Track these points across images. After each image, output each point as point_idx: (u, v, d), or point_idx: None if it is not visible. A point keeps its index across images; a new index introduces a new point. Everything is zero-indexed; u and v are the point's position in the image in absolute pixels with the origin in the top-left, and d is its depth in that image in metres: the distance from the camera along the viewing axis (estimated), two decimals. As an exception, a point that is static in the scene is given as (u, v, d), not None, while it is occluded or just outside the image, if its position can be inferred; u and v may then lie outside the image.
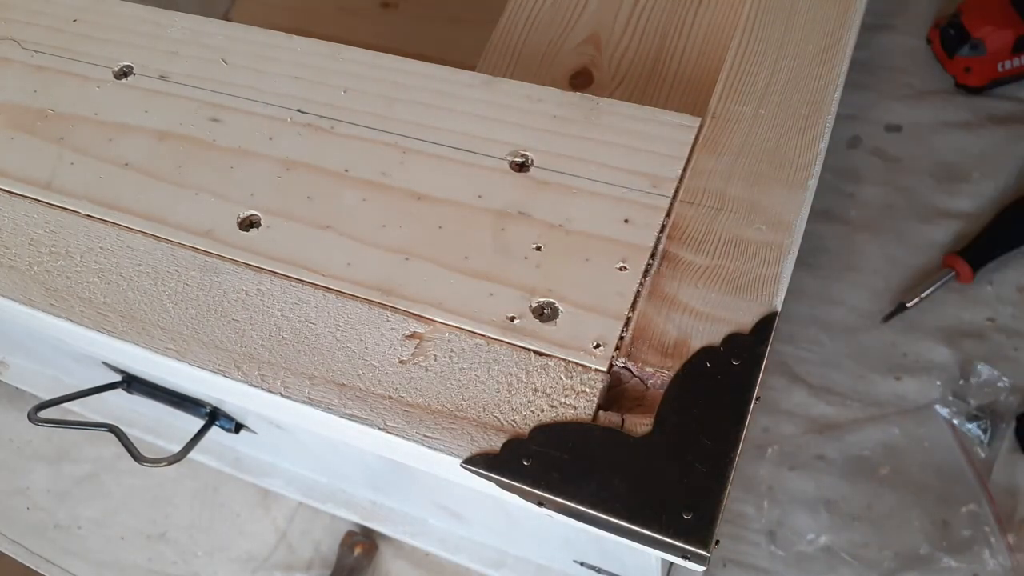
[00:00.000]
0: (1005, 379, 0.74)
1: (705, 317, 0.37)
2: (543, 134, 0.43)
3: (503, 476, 0.34)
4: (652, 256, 0.39)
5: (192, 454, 0.59)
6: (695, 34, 0.53)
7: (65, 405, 0.59)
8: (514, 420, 0.36)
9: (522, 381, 0.36)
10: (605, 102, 0.44)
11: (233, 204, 0.43)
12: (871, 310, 0.79)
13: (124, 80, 0.49)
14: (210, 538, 0.83)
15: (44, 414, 0.56)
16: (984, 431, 0.73)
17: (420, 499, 0.69)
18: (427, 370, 0.37)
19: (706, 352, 0.36)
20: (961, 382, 0.75)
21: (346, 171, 0.43)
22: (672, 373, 0.36)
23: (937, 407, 0.75)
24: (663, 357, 0.36)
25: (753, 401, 0.35)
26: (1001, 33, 0.79)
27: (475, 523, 0.68)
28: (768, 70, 0.44)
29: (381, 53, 0.47)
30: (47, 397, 0.58)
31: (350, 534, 0.79)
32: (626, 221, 0.40)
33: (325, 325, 0.39)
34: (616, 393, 0.37)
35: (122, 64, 0.49)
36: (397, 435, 0.36)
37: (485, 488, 0.36)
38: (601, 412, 0.35)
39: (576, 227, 0.40)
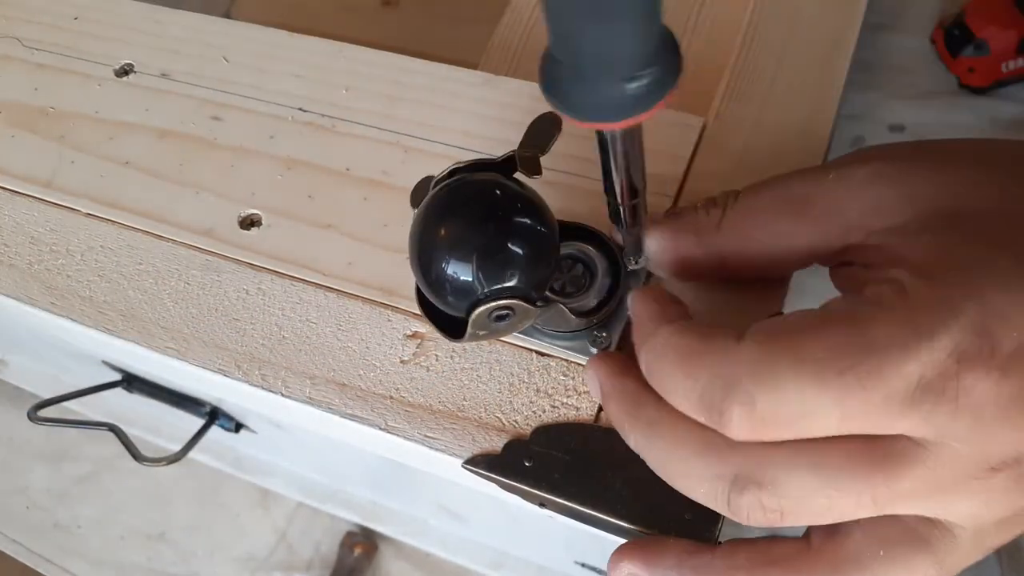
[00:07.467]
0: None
1: (707, 318, 0.37)
2: (545, 133, 0.43)
3: (504, 477, 0.34)
4: (655, 256, 0.39)
5: (192, 454, 0.59)
6: (697, 34, 0.53)
7: (65, 404, 0.59)
8: (516, 420, 0.35)
9: (524, 381, 0.36)
10: (608, 101, 0.44)
11: (234, 203, 0.43)
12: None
13: (125, 78, 0.49)
14: (210, 538, 0.83)
15: (44, 413, 0.56)
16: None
17: (421, 499, 0.69)
18: (428, 370, 0.37)
19: (709, 353, 0.36)
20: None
21: (347, 170, 0.43)
22: (675, 374, 0.35)
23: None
24: (666, 358, 0.36)
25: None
26: (1005, 34, 0.79)
27: (476, 524, 0.68)
28: (771, 71, 0.44)
29: (383, 51, 0.47)
30: (47, 396, 0.58)
31: (350, 534, 0.79)
32: (629, 221, 0.40)
33: (326, 325, 0.39)
34: (618, 394, 0.37)
35: (123, 62, 0.49)
36: (398, 435, 0.36)
37: (486, 489, 0.35)
38: (603, 413, 0.35)
39: (578, 227, 0.40)
